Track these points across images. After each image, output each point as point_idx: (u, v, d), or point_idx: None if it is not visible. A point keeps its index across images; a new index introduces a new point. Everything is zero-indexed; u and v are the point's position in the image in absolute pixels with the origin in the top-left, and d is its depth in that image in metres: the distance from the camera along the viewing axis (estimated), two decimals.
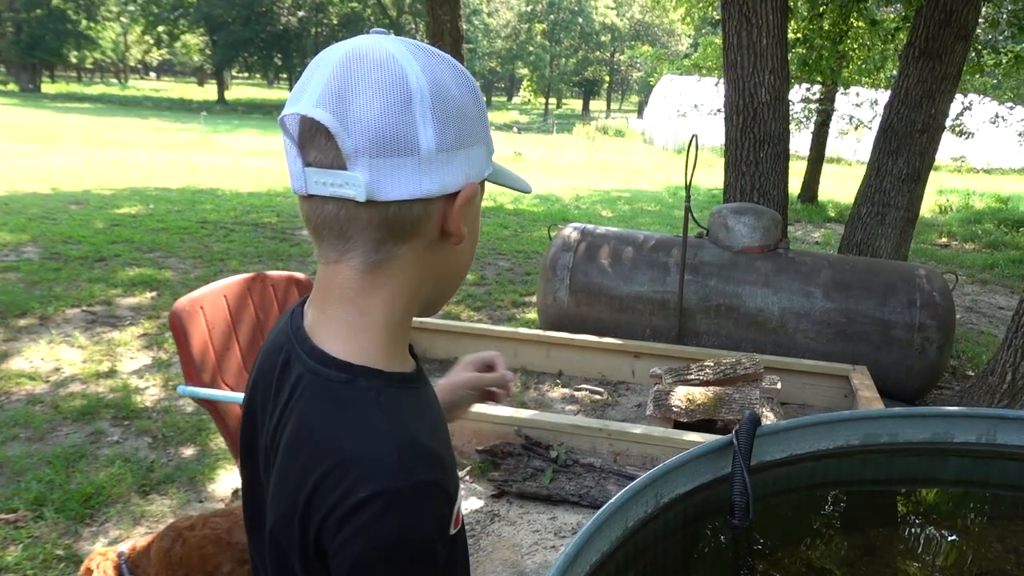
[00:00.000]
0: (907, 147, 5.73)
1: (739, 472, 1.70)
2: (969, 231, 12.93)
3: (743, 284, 4.30)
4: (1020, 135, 19.25)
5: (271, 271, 2.62)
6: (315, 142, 0.69)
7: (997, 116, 17.04)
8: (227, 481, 3.07)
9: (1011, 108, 17.68)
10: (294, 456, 0.69)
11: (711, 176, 19.94)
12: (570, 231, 4.73)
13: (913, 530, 1.92)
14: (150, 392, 3.97)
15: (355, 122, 0.66)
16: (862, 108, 18.23)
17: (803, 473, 2.07)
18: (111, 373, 4.22)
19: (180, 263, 6.94)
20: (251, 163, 15.91)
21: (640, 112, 48.31)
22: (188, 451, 3.30)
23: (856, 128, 18.71)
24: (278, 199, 11.22)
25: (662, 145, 28.95)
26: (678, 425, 3.49)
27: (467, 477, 3.15)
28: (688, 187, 4.43)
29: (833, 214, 13.84)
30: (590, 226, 4.80)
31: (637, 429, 3.07)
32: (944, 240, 11.91)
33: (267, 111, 40.04)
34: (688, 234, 4.42)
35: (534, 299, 6.35)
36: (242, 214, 9.71)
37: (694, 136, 4.44)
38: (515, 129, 33.58)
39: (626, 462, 3.06)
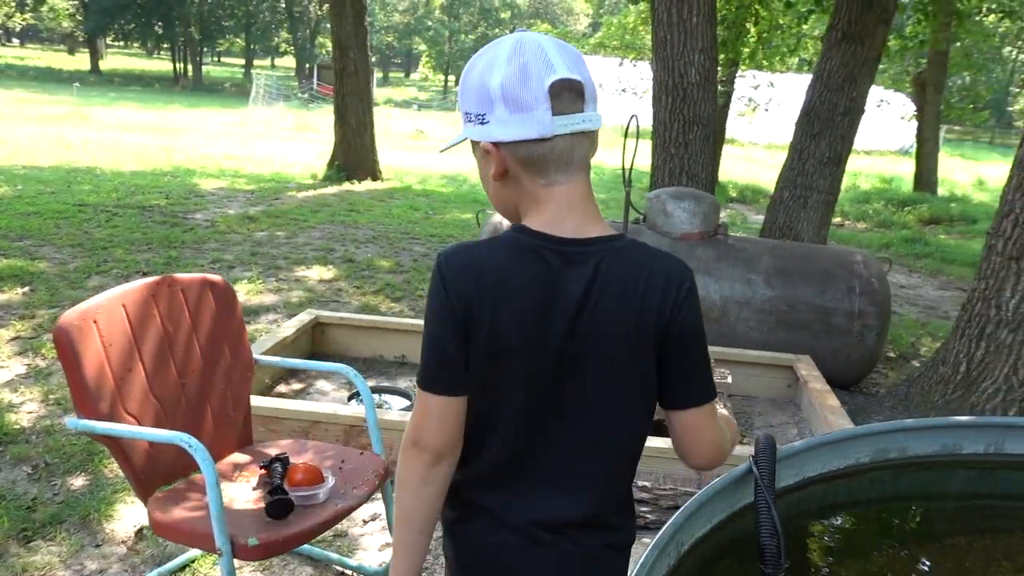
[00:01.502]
0: (829, 130, 5.74)
1: (765, 509, 1.46)
2: (859, 211, 13.50)
3: None
4: (902, 118, 20.36)
5: (180, 274, 2.19)
6: (562, 96, 1.01)
7: (881, 100, 17.93)
8: (128, 517, 2.61)
9: (894, 93, 18.66)
10: (634, 286, 1.06)
11: (611, 156, 20.07)
12: (500, 218, 4.43)
13: (921, 550, 1.76)
14: (27, 409, 3.41)
15: (587, 81, 1.04)
16: (759, 90, 18.77)
17: (814, 497, 1.87)
18: None
19: (56, 252, 6.18)
20: (132, 139, 14.69)
21: None
22: (77, 482, 2.81)
23: (753, 110, 19.25)
24: (165, 179, 10.34)
25: None
26: None
27: None
28: (629, 172, 4.21)
29: (734, 194, 14.14)
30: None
31: None
32: (838, 220, 12.36)
33: (147, 83, 37.41)
34: (615, 220, 4.21)
35: None
36: (125, 195, 8.85)
37: (633, 116, 4.22)
38: (415, 106, 32.82)
39: None
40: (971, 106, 19.65)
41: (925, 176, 15.48)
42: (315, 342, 4.23)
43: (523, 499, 1.11)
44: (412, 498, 1.09)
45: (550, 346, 1.05)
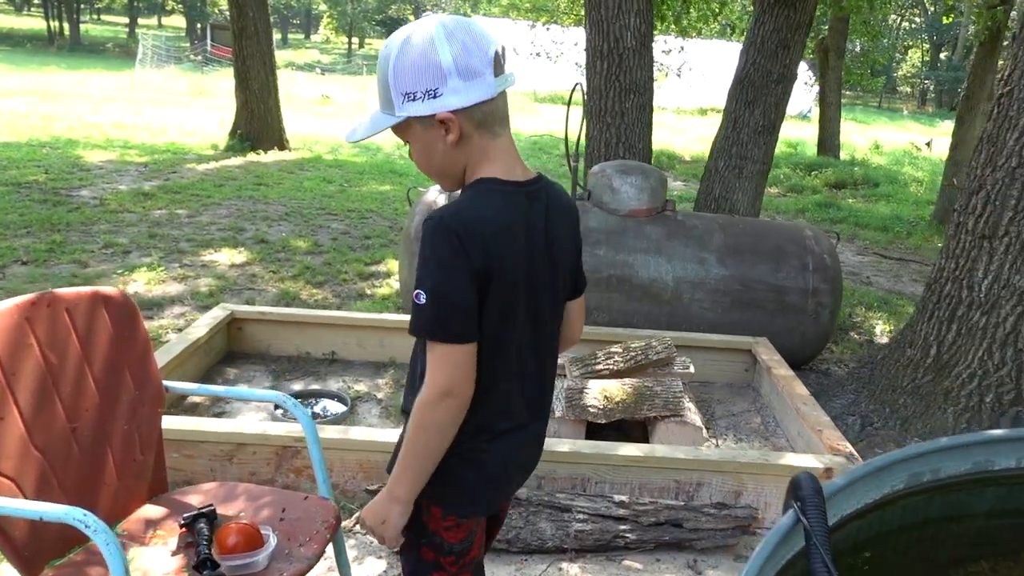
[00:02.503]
0: (763, 98, 5.59)
1: (822, 572, 1.20)
2: (771, 176, 13.74)
3: (634, 252, 3.89)
4: (805, 83, 20.85)
5: (63, 289, 1.74)
6: (497, 61, 1.19)
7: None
8: None
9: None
10: (568, 214, 1.37)
11: (531, 121, 19.74)
12: (435, 195, 4.05)
13: None
14: None
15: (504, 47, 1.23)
16: (670, 55, 18.78)
17: (849, 535, 1.64)
18: None
19: None
20: (1, 105, 13.27)
21: None
22: None
23: (665, 75, 19.26)
24: (44, 151, 9.32)
25: None
26: (592, 428, 3.03)
27: (356, 527, 2.48)
28: (576, 146, 3.90)
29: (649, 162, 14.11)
30: None
31: (563, 446, 2.55)
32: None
33: (17, 42, 34.25)
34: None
35: (382, 268, 5.61)
36: None
37: (577, 84, 3.91)
38: (318, 70, 31.39)
39: (554, 488, 2.54)
40: (868, 71, 20.34)
41: (828, 140, 15.88)
42: (231, 341, 3.77)
43: (525, 415, 1.35)
44: (442, 441, 1.22)
45: (537, 275, 1.27)
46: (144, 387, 1.86)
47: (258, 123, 10.78)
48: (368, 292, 5.05)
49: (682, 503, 2.41)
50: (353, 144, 12.75)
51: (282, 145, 11.04)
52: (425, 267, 1.17)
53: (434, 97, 1.16)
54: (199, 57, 26.76)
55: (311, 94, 20.84)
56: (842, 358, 4.49)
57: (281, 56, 15.36)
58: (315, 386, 3.52)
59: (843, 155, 16.30)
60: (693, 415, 3.00)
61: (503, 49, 1.20)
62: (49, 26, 37.50)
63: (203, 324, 3.55)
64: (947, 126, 30.10)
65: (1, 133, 10.39)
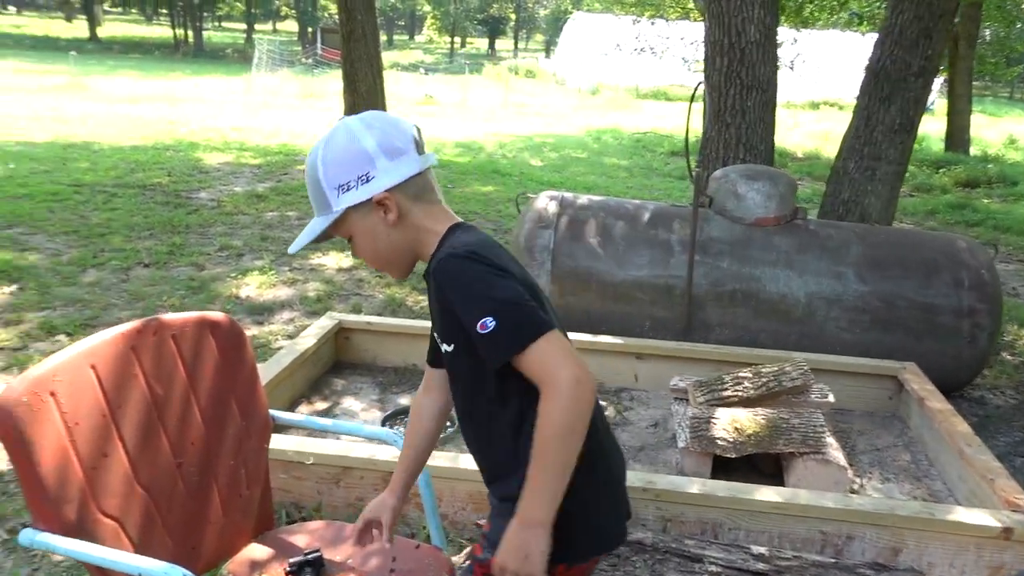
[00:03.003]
0: (901, 93, 5.09)
1: None
2: None
3: (761, 265, 3.58)
4: None
5: (169, 315, 1.65)
6: (416, 143, 1.27)
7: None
8: None
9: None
10: None
11: (633, 118, 19.31)
12: (546, 202, 3.86)
13: None
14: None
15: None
16: (781, 47, 17.89)
17: None
18: None
19: (49, 242, 5.66)
20: (132, 111, 14.06)
21: (548, 52, 47.02)
22: None
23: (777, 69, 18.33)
24: (167, 153, 9.76)
25: (576, 87, 28.06)
26: (718, 461, 2.76)
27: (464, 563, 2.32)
28: (693, 146, 3.62)
29: None
30: (569, 195, 3.94)
31: (693, 486, 2.30)
32: None
33: (147, 50, 36.51)
34: (676, 203, 3.63)
35: None
36: (125, 173, 8.29)
37: (700, 84, 3.63)
38: (422, 70, 31.89)
39: (682, 532, 2.30)
40: (1003, 60, 18.70)
41: (957, 135, 14.70)
42: (339, 350, 3.71)
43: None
44: (579, 444, 1.10)
45: None
46: (251, 418, 1.76)
47: None
48: None
49: (831, 559, 2.12)
50: (456, 144, 12.78)
51: None
52: (469, 296, 1.13)
53: (367, 181, 1.21)
54: (310, 60, 27.71)
55: (415, 94, 21.14)
56: (997, 384, 4.00)
57: (386, 57, 15.62)
58: None
59: (973, 151, 15.06)
60: (836, 452, 2.68)
61: (419, 130, 1.28)
62: (175, 34, 39.79)
63: (311, 334, 3.49)
64: None
65: (131, 137, 10.97)
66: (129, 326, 1.57)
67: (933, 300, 3.45)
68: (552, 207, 3.82)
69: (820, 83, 22.61)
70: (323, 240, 1.30)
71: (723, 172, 3.81)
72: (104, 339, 1.52)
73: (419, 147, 1.26)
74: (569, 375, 1.07)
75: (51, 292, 4.60)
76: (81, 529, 1.40)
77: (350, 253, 5.85)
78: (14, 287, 4.66)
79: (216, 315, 1.73)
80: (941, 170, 13.01)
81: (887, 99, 5.13)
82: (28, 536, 1.37)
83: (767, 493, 2.29)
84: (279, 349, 3.92)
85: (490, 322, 1.10)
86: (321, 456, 2.45)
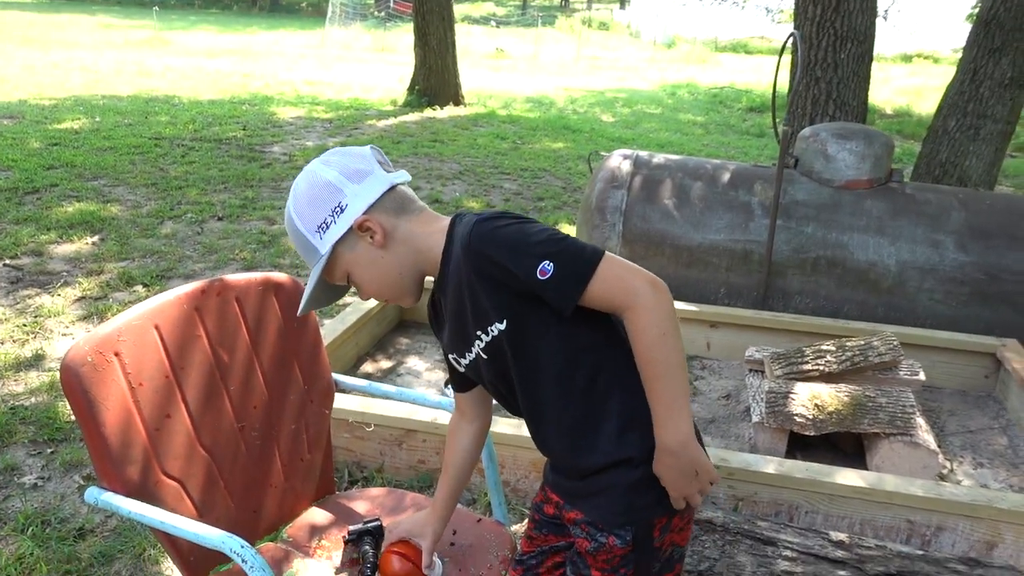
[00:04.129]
0: (1014, 43, 4.67)
1: None
2: None
3: (849, 231, 3.35)
4: None
5: (232, 276, 1.61)
6: (382, 162, 1.22)
7: None
8: None
9: None
10: None
11: (712, 72, 18.60)
12: (619, 161, 3.71)
13: None
14: None
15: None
16: None
17: None
18: (36, 360, 3.24)
19: (130, 193, 5.81)
20: (211, 65, 14.32)
21: (623, 3, 45.64)
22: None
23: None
24: (243, 107, 9.90)
25: (650, 39, 27.18)
26: (794, 438, 2.62)
27: None
28: (778, 105, 3.39)
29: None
30: (644, 154, 3.77)
31: (768, 466, 2.18)
32: None
33: (226, 5, 37.08)
34: (758, 163, 3.41)
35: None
36: (202, 127, 8.45)
37: (792, 35, 3.38)
38: (493, 23, 31.42)
39: (754, 512, 2.19)
40: None
41: None
42: (405, 310, 3.68)
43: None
44: (680, 338, 1.08)
45: None
46: (313, 382, 1.72)
47: (435, 79, 10.83)
48: None
49: (919, 551, 1.98)
50: (527, 99, 12.56)
51: (457, 101, 11.04)
52: (516, 249, 1.07)
53: (342, 211, 1.16)
54: (382, 14, 27.62)
55: (485, 48, 20.87)
56: None
57: (457, 10, 15.36)
58: None
59: None
60: (926, 435, 2.51)
61: (380, 151, 1.24)
62: None
63: None
64: None
65: (209, 91, 11.17)
66: (192, 286, 1.54)
67: None
68: (626, 166, 3.66)
69: (914, 34, 21.25)
70: (332, 301, 1.28)
71: (812, 130, 3.56)
72: (168, 299, 1.50)
73: (383, 166, 1.21)
74: (642, 284, 1.05)
75: (130, 243, 4.73)
76: (144, 490, 1.40)
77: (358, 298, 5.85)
78: (96, 237, 4.80)
79: (280, 276, 1.69)
80: None
81: (998, 50, 4.73)
82: (93, 495, 1.37)
83: (849, 476, 2.15)
84: (344, 305, 3.93)
85: (548, 266, 1.05)
86: (384, 418, 2.42)
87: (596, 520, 1.17)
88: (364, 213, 1.16)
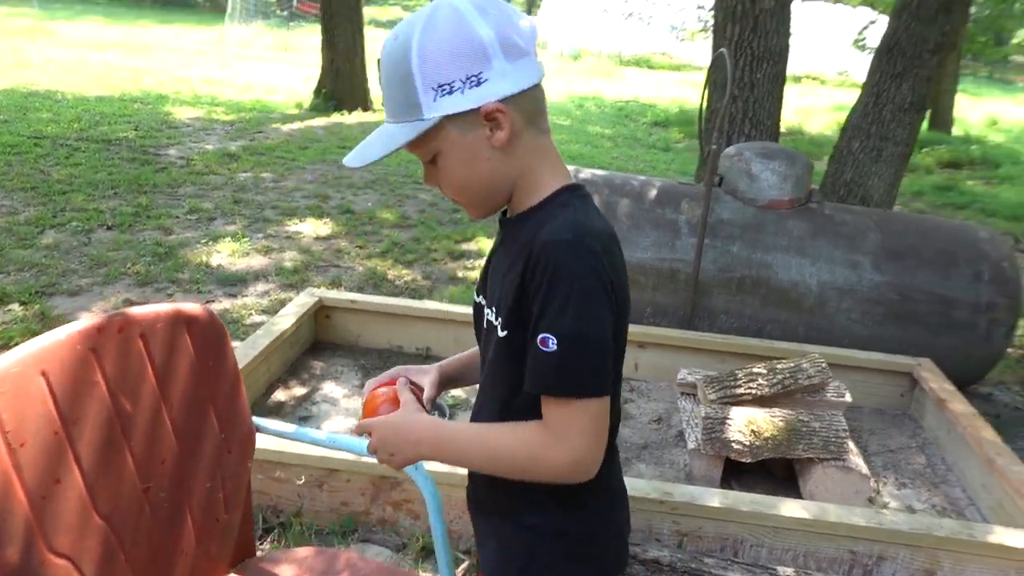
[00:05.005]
0: (914, 70, 4.89)
1: None
2: None
3: (773, 251, 3.38)
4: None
5: (137, 309, 1.39)
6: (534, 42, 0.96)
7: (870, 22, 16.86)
8: None
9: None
10: None
11: (616, 86, 18.96)
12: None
13: None
14: None
15: None
16: None
17: None
18: None
19: (4, 198, 5.28)
20: (97, 58, 13.39)
21: (530, 12, 46.14)
22: None
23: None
24: (135, 106, 9.26)
25: (558, 51, 27.53)
26: (729, 464, 2.58)
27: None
28: (706, 122, 3.39)
29: None
30: (571, 168, 3.69)
31: (713, 499, 2.12)
32: None
33: None
34: (683, 180, 3.41)
35: (472, 247, 5.23)
36: (89, 126, 7.84)
37: (720, 53, 3.38)
38: None
39: (699, 548, 2.12)
40: (992, 39, 18.56)
41: (941, 115, 14.60)
42: (319, 330, 3.45)
43: (615, 461, 1.12)
44: (509, 470, 0.98)
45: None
46: (232, 430, 1.52)
47: (343, 83, 10.50)
48: (460, 275, 4.67)
49: None
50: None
51: (366, 106, 10.75)
52: (558, 301, 0.90)
53: (477, 84, 0.92)
54: (285, 13, 26.75)
55: None
56: (1003, 380, 3.88)
57: (364, 13, 14.94)
58: None
59: (955, 131, 15.01)
60: (857, 459, 2.52)
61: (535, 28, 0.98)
62: None
63: (290, 313, 3.23)
64: None
65: (95, 86, 10.41)
66: (88, 323, 1.31)
67: (951, 293, 3.29)
68: (583, 171, 3.57)
69: (803, 56, 22.43)
70: (381, 158, 0.99)
71: (736, 149, 3.59)
72: (58, 340, 1.26)
73: (535, 48, 0.98)
74: (577, 454, 0.93)
75: (5, 255, 4.27)
76: (26, 573, 1.16)
77: (328, 217, 5.54)
78: None
79: (192, 308, 1.48)
80: (924, 149, 12.95)
81: (899, 76, 4.93)
82: None
83: (792, 508, 2.11)
84: (253, 325, 3.66)
85: (553, 344, 0.91)
86: (302, 457, 2.22)
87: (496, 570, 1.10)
88: (500, 100, 0.93)
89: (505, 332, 0.99)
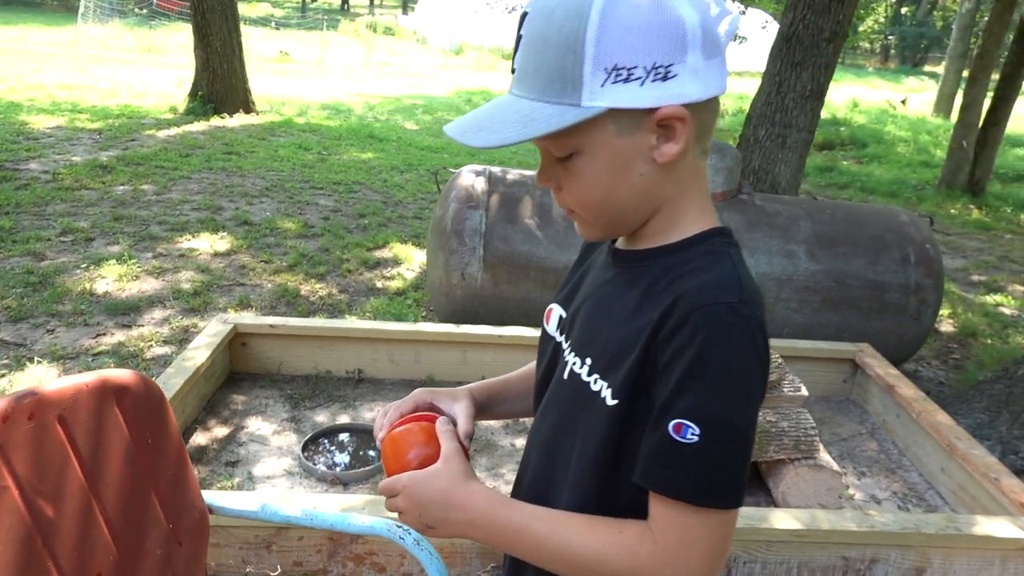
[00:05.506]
0: (812, 58, 5.00)
1: None
2: None
3: None
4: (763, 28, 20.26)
5: (51, 384, 1.09)
6: None
7: (766, 23, 17.74)
8: None
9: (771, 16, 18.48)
10: None
11: (500, 78, 18.89)
12: (472, 178, 3.40)
13: None
14: None
15: None
16: None
17: None
18: None
19: None
20: None
21: (405, 8, 45.48)
22: None
23: None
24: None
25: (438, 46, 27.22)
26: None
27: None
28: None
29: None
30: (496, 170, 3.50)
31: None
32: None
33: None
34: None
35: (387, 254, 4.95)
36: None
37: None
38: (273, 24, 29.80)
39: None
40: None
41: None
42: (234, 360, 3.11)
43: None
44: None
45: None
46: (180, 516, 1.24)
47: (221, 84, 9.83)
48: (379, 285, 4.39)
49: None
50: (322, 106, 11.88)
51: (248, 108, 10.13)
52: (713, 383, 0.69)
53: (663, 79, 0.70)
54: (144, 11, 25.07)
55: (267, 51, 19.61)
56: (922, 355, 4.01)
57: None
58: (343, 418, 2.90)
59: (823, 114, 15.87)
60: (825, 455, 2.47)
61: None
62: None
63: (202, 344, 2.88)
64: (912, 83, 30.00)
65: None
66: None
67: (883, 277, 3.33)
68: (480, 184, 3.36)
69: None
70: (526, 141, 0.73)
71: None
72: None
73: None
74: (691, 570, 0.72)
75: None
76: None
77: (224, 231, 5.10)
78: None
79: (120, 375, 1.19)
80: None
81: (798, 65, 5.03)
82: None
83: (784, 519, 2.02)
84: (155, 360, 3.26)
85: (694, 434, 0.69)
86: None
87: None
88: (684, 104, 0.72)
89: (617, 402, 0.77)
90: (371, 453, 2.70)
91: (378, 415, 0.96)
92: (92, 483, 1.10)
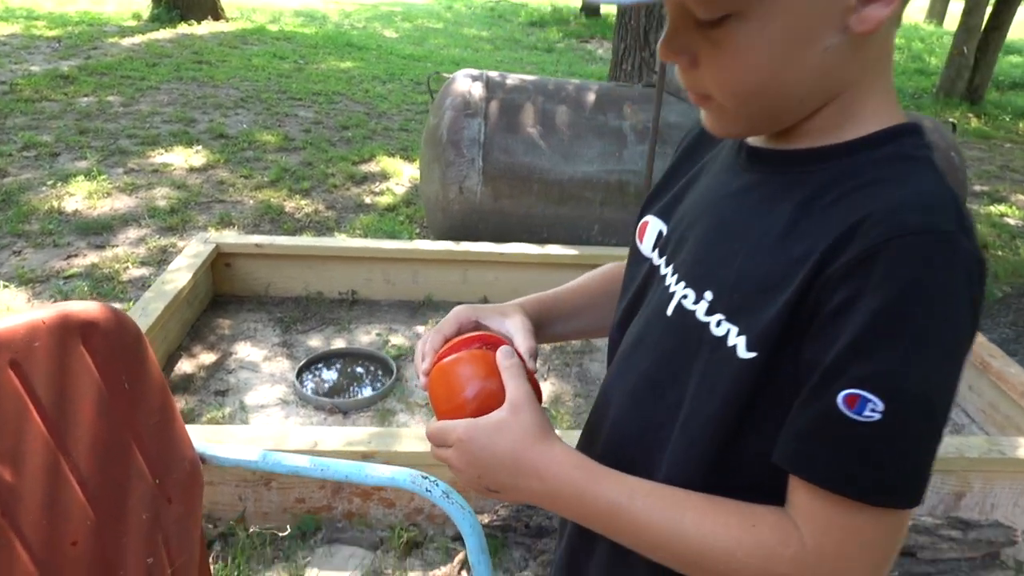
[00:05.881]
0: None
1: None
2: None
3: None
4: None
5: (5, 321, 0.89)
6: None
7: None
8: None
9: None
10: None
11: None
12: (468, 84, 3.13)
13: None
14: None
15: None
16: None
17: None
18: None
19: None
20: None
21: None
22: None
23: None
24: None
25: None
26: None
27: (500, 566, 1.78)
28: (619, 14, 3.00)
29: None
30: (494, 75, 3.23)
31: None
32: None
33: None
34: (621, 83, 3.05)
35: (374, 168, 4.68)
36: None
37: None
38: None
39: None
40: None
41: None
42: (217, 282, 2.90)
43: None
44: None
45: None
46: (168, 470, 1.06)
47: None
48: (368, 201, 4.15)
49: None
50: (296, 13, 11.25)
51: (217, 14, 9.54)
52: (913, 343, 0.50)
53: None
54: None
55: None
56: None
57: None
58: (338, 342, 2.73)
59: None
60: None
61: None
62: None
63: (183, 266, 2.67)
64: None
65: None
66: None
67: None
68: (477, 90, 3.10)
69: None
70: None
71: None
72: None
73: None
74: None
75: None
76: None
77: (199, 144, 4.81)
78: None
79: (87, 308, 0.98)
80: None
81: None
82: None
83: None
84: (132, 282, 3.05)
85: (876, 411, 0.50)
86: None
87: None
88: None
89: (754, 355, 0.56)
90: (368, 378, 2.55)
91: (418, 345, 0.76)
92: (58, 438, 0.92)
